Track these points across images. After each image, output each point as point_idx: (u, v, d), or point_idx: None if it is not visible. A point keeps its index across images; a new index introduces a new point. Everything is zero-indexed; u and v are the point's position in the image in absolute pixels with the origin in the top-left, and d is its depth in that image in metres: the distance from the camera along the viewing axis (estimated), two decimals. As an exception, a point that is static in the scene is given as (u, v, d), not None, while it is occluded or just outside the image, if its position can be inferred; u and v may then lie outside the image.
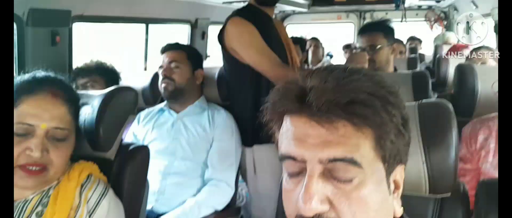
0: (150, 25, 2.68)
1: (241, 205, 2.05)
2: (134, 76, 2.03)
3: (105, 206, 1.02)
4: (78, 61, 1.92)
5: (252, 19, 1.73)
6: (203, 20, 3.10)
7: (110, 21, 2.32)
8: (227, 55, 1.79)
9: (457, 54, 2.80)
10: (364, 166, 0.55)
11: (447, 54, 3.01)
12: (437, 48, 3.54)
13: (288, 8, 4.49)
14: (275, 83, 1.64)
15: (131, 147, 1.21)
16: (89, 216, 1.00)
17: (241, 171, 1.88)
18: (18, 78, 1.00)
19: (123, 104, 1.20)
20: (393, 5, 4.17)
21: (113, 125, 1.15)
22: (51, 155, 0.95)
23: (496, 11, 2.65)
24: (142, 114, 1.86)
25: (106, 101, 1.13)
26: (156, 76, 1.90)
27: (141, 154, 1.22)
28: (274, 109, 0.61)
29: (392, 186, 0.60)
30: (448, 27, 4.70)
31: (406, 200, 0.64)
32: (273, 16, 1.88)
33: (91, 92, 1.23)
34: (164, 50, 1.82)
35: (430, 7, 4.57)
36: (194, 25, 3.07)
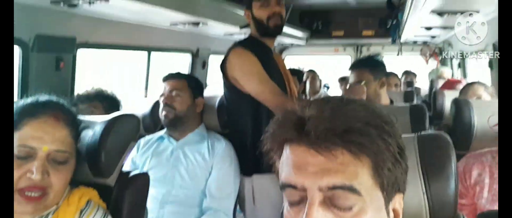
0: (152, 53, 2.74)
1: (238, 235, 2.02)
2: (135, 103, 2.05)
3: None
4: (80, 87, 1.94)
5: (253, 50, 1.76)
6: (204, 50, 3.17)
7: (114, 48, 2.36)
8: (229, 84, 1.81)
9: (451, 89, 2.86)
10: (363, 193, 0.56)
11: (441, 88, 3.07)
12: (432, 82, 3.60)
13: (287, 40, 4.59)
14: (275, 112, 1.67)
15: (131, 174, 1.21)
16: None
17: (239, 201, 1.87)
18: (20, 101, 1.01)
19: (126, 131, 1.20)
20: (390, 39, 4.29)
21: (115, 151, 1.15)
22: (52, 178, 0.95)
23: (490, 47, 2.73)
24: (142, 141, 1.87)
25: (109, 127, 1.14)
26: (156, 104, 1.92)
27: (141, 181, 1.21)
28: (274, 138, 0.63)
29: (392, 215, 0.61)
30: (443, 62, 4.81)
31: (407, 230, 0.64)
32: (273, 49, 1.93)
33: (93, 117, 1.24)
34: (166, 78, 1.85)
35: (425, 42, 4.69)
36: (195, 55, 3.13)
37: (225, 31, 2.87)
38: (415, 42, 4.61)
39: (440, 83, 3.45)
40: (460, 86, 2.69)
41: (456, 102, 1.60)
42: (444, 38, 3.77)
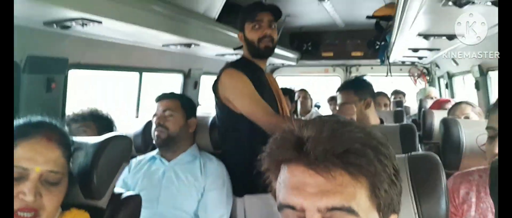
0: (143, 74, 2.74)
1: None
2: (126, 124, 2.04)
3: None
4: (72, 107, 1.93)
5: (245, 71, 1.79)
6: (196, 71, 3.18)
7: (106, 69, 2.36)
8: (221, 104, 1.82)
9: (439, 109, 2.91)
10: (361, 214, 0.57)
11: (431, 108, 3.12)
12: (421, 102, 3.66)
13: (278, 61, 4.64)
14: (267, 131, 1.68)
15: (123, 196, 1.20)
16: None
17: (231, 222, 1.85)
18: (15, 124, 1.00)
19: (118, 152, 1.19)
20: (378, 60, 4.37)
21: (107, 173, 1.14)
22: (44, 199, 0.94)
23: (476, 69, 2.80)
24: (134, 162, 1.85)
25: (101, 148, 1.13)
26: (148, 124, 1.91)
27: (133, 203, 1.20)
28: (272, 158, 0.63)
29: None
30: (431, 82, 4.90)
31: (400, 250, 0.65)
32: (265, 69, 1.95)
33: (85, 138, 1.23)
34: (159, 98, 1.85)
35: (413, 63, 4.78)
36: (187, 75, 3.14)
37: (217, 52, 2.90)
38: (403, 63, 4.70)
39: (429, 102, 3.51)
40: (449, 106, 2.74)
41: (444, 121, 1.62)
42: (431, 59, 3.86)
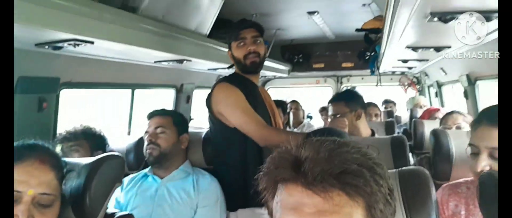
0: (135, 90, 2.75)
1: None
2: (119, 141, 2.03)
3: None
4: (63, 126, 1.93)
5: (238, 85, 1.81)
6: (188, 85, 3.19)
7: (98, 87, 2.36)
8: (214, 119, 1.83)
9: (429, 118, 2.95)
10: None
11: (421, 117, 3.16)
12: (412, 112, 3.70)
13: (270, 73, 4.68)
14: (260, 144, 1.69)
15: (116, 216, 1.19)
16: None
17: (225, 237, 1.85)
18: None
19: (111, 172, 1.19)
20: (369, 70, 4.42)
21: (100, 194, 1.14)
22: None
23: (464, 78, 2.84)
24: (126, 180, 1.84)
25: (94, 169, 1.13)
26: (140, 141, 1.91)
27: (127, 222, 1.20)
28: (269, 177, 0.64)
29: None
30: (421, 91, 4.97)
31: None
32: (258, 83, 1.97)
33: (78, 159, 1.23)
34: (151, 116, 1.85)
35: (403, 73, 4.84)
36: (179, 90, 3.15)
37: (209, 66, 2.91)
38: (393, 73, 4.76)
39: (420, 112, 3.55)
40: (439, 115, 2.78)
41: (434, 133, 1.64)
42: (421, 69, 3.91)
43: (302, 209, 0.58)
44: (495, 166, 1.03)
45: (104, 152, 1.75)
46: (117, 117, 2.89)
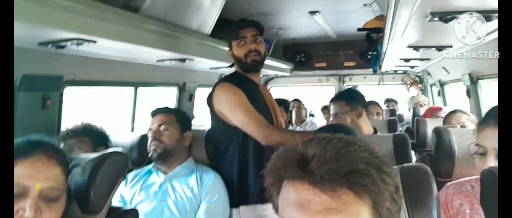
0: (138, 88, 2.76)
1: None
2: (121, 138, 2.05)
3: None
4: (67, 124, 1.94)
5: (239, 84, 1.81)
6: (191, 84, 3.21)
7: (101, 85, 2.38)
8: (216, 117, 1.84)
9: (432, 116, 2.95)
10: None
11: (423, 115, 3.16)
12: (414, 110, 3.70)
13: (272, 72, 4.69)
14: (261, 143, 1.70)
15: (120, 210, 1.21)
16: None
17: (227, 233, 1.86)
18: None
19: (115, 168, 1.21)
20: (371, 69, 4.42)
21: (104, 189, 1.16)
22: (44, 215, 0.95)
23: (466, 77, 2.84)
24: (130, 176, 1.86)
25: (98, 165, 1.15)
26: (143, 138, 1.93)
27: (130, 217, 1.22)
28: (275, 174, 0.64)
29: None
30: (424, 90, 4.97)
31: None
32: (260, 82, 1.98)
33: (83, 155, 1.24)
34: (155, 113, 1.87)
35: (405, 72, 4.84)
36: (182, 88, 3.16)
37: (211, 65, 2.92)
38: (395, 72, 4.76)
39: (421, 110, 3.55)
40: (441, 114, 2.78)
41: (436, 131, 1.65)
42: (423, 68, 3.91)
43: (309, 206, 0.58)
44: None
45: (107, 148, 1.76)
46: (121, 115, 2.90)
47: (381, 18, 3.05)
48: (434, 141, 1.64)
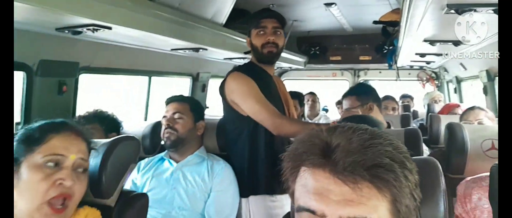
0: (152, 77, 2.79)
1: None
2: (134, 126, 2.08)
3: None
4: (81, 110, 1.98)
5: (251, 74, 1.82)
6: (204, 74, 3.22)
7: (115, 73, 2.41)
8: (228, 107, 1.86)
9: (449, 113, 2.91)
10: None
11: (440, 112, 3.11)
12: (429, 106, 3.65)
13: (286, 64, 4.67)
14: (273, 132, 1.71)
15: (131, 195, 1.24)
16: None
17: (237, 222, 1.88)
18: (37, 123, 1.07)
19: (126, 153, 1.23)
20: (387, 64, 4.37)
21: (115, 173, 1.19)
22: (76, 186, 1.01)
23: (484, 74, 2.79)
24: (143, 163, 1.90)
25: (110, 150, 1.17)
26: (156, 126, 1.95)
27: (140, 201, 1.24)
28: (295, 159, 0.63)
29: None
30: (440, 87, 4.88)
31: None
32: (273, 74, 1.98)
33: (97, 140, 1.27)
34: (169, 101, 1.89)
35: (421, 68, 4.76)
36: (195, 78, 3.19)
37: (225, 55, 2.93)
38: (411, 67, 4.68)
39: (436, 107, 3.50)
40: (459, 111, 2.73)
41: (449, 126, 1.62)
42: (440, 64, 3.84)
43: (328, 195, 0.58)
44: None
45: (119, 134, 1.79)
46: (135, 103, 2.94)
47: (398, 11, 3.01)
48: (447, 136, 1.62)
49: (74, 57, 1.92)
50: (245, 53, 2.06)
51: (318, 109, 4.44)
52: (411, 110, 4.21)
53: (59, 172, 0.99)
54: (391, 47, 4.06)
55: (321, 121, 4.26)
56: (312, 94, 4.36)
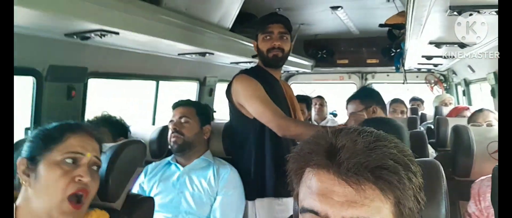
0: (160, 82, 2.82)
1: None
2: (142, 130, 2.10)
3: None
4: (90, 114, 2.01)
5: (257, 77, 1.84)
6: (211, 78, 3.25)
7: (123, 78, 2.44)
8: (234, 110, 1.88)
9: (457, 116, 2.88)
10: None
11: (448, 115, 3.09)
12: (437, 109, 3.62)
13: (293, 68, 4.67)
14: (278, 134, 1.71)
15: (137, 198, 1.25)
16: None
17: (243, 225, 1.89)
18: (51, 124, 1.10)
19: (132, 157, 1.25)
20: (394, 67, 4.34)
21: (122, 177, 1.20)
22: (91, 183, 1.04)
23: (492, 76, 2.76)
24: (150, 167, 1.92)
25: (116, 153, 1.19)
26: (163, 130, 1.97)
27: (147, 205, 1.26)
28: (300, 160, 0.64)
29: None
30: (449, 89, 4.83)
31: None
32: (280, 77, 1.99)
33: (106, 144, 1.29)
34: (176, 105, 1.92)
35: (429, 70, 4.72)
36: (202, 83, 3.21)
37: (232, 60, 2.95)
38: (419, 70, 4.65)
39: (445, 109, 3.47)
40: (468, 113, 2.71)
41: (455, 129, 1.62)
42: (448, 66, 3.81)
43: (331, 196, 0.58)
44: None
45: (126, 138, 1.82)
46: (142, 108, 2.97)
47: (403, 14, 3.00)
48: (453, 139, 1.61)
49: (82, 62, 1.95)
50: (253, 56, 2.08)
51: (326, 112, 4.43)
52: (420, 113, 4.18)
53: (77, 169, 1.03)
54: (398, 50, 4.05)
55: (328, 125, 4.26)
56: (320, 98, 4.35)
